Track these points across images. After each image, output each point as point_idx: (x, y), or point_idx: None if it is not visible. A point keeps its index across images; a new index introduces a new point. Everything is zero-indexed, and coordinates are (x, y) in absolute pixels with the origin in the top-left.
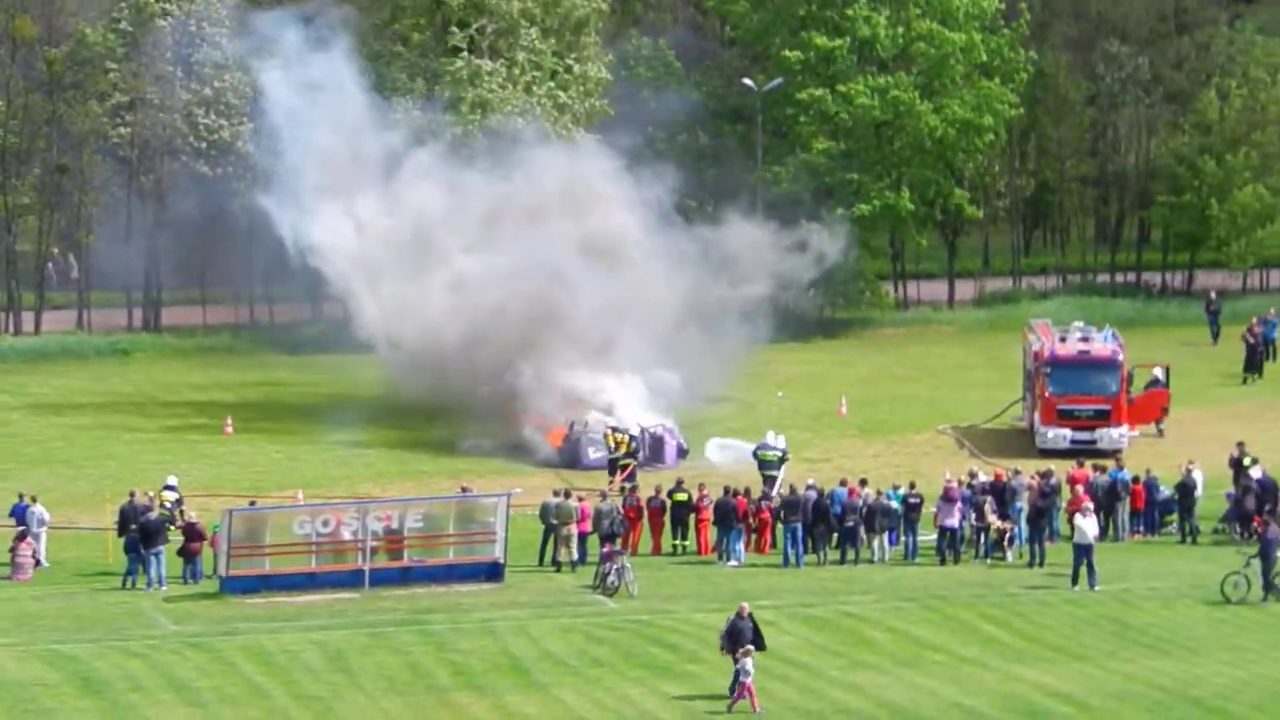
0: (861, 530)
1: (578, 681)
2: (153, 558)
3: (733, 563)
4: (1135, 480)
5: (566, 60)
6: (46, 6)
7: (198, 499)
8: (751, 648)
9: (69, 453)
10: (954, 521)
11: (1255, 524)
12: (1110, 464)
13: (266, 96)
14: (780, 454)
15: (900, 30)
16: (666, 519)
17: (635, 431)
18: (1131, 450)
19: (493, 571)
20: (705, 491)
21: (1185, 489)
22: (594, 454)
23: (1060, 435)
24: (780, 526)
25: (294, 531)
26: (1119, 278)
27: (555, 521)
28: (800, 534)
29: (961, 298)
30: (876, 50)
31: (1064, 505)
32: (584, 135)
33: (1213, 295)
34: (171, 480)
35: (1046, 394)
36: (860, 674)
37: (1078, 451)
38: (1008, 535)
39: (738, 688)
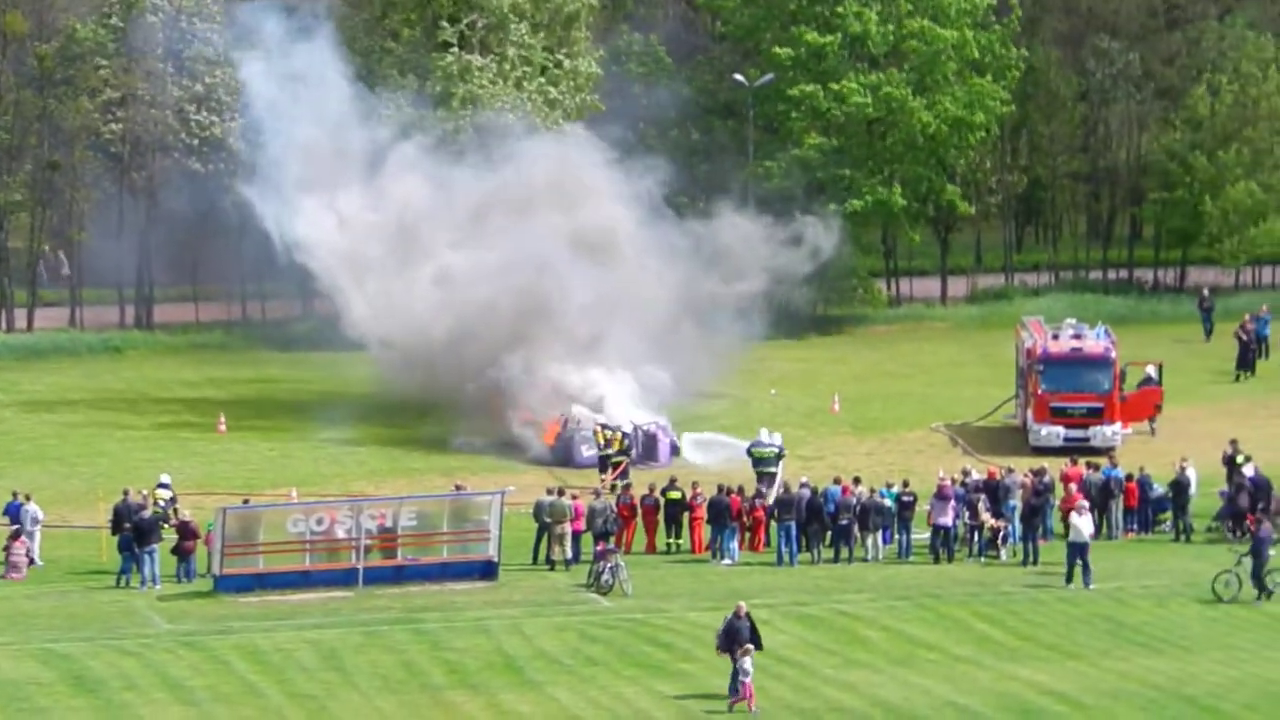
0: (855, 528)
1: (572, 680)
2: (146, 556)
3: (726, 561)
4: (1129, 478)
5: (557, 55)
6: (37, 2)
7: (191, 497)
8: (751, 647)
9: (62, 450)
10: (948, 520)
11: (1248, 522)
12: (1104, 462)
13: (247, 88)
14: (777, 451)
15: (891, 27)
16: (660, 517)
17: (627, 429)
18: (1124, 448)
19: (486, 570)
20: (699, 489)
21: (1179, 487)
22: (587, 452)
23: (1053, 433)
24: (774, 525)
25: (288, 530)
26: (1111, 274)
27: (549, 520)
28: (794, 532)
29: (954, 294)
30: (868, 46)
31: (1057, 503)
32: (572, 126)
33: (1205, 292)
34: (165, 478)
35: (1039, 391)
36: (854, 672)
37: (1071, 449)
38: (1001, 533)
39: (739, 687)
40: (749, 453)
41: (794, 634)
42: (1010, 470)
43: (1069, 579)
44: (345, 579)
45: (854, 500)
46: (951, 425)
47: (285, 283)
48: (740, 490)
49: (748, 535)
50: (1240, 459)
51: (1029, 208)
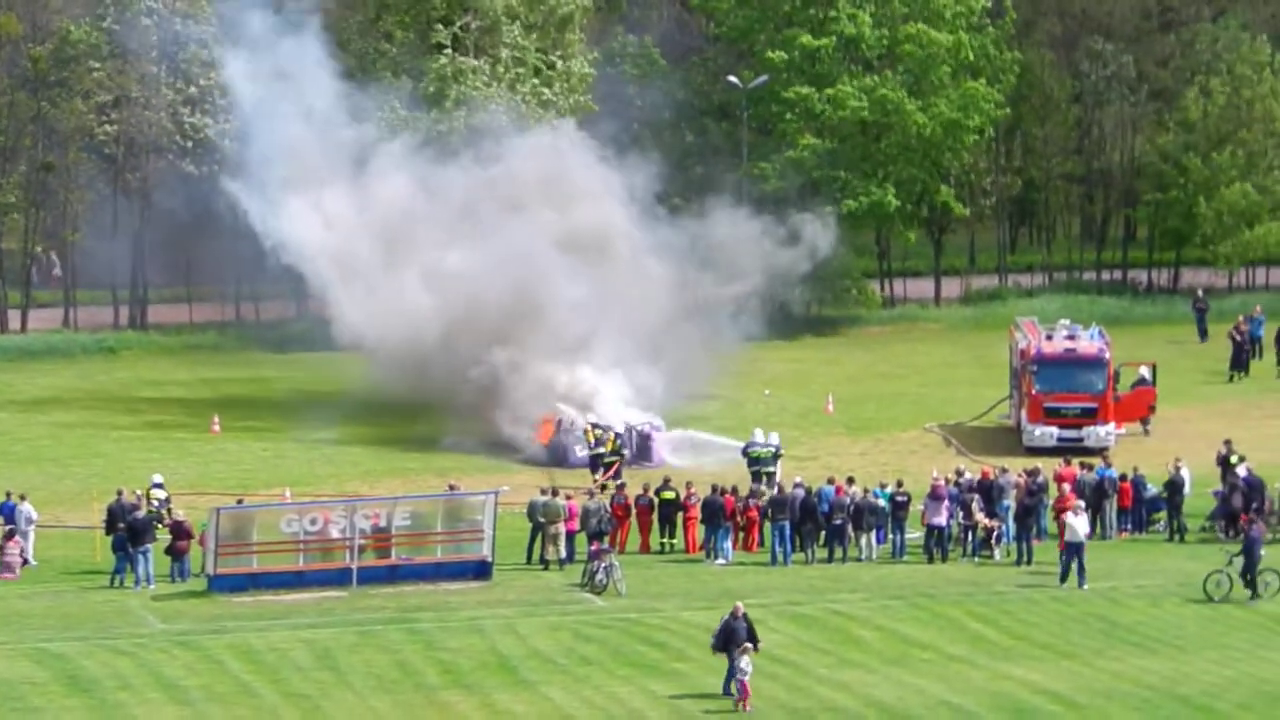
0: (849, 528)
1: (566, 680)
2: (140, 556)
3: (720, 561)
4: (1123, 478)
5: (550, 57)
6: (31, 4)
7: (185, 497)
8: (750, 646)
9: (56, 451)
10: (941, 520)
11: (1242, 522)
12: (1097, 462)
13: (231, 84)
14: (774, 451)
15: (885, 31)
16: (654, 517)
17: (620, 429)
18: (1118, 448)
19: (480, 570)
20: (693, 489)
21: (1174, 487)
22: (581, 452)
23: (1047, 433)
24: (768, 525)
25: (281, 530)
26: (1105, 275)
27: (543, 520)
28: (788, 532)
29: (948, 296)
30: (862, 49)
31: (1051, 503)
32: (564, 121)
33: (1200, 293)
34: (157, 478)
35: (1033, 392)
36: (848, 672)
37: (1064, 449)
38: (995, 533)
39: (740, 688)
40: (745, 453)
41: (788, 634)
42: (1004, 470)
43: (1064, 579)
44: (339, 579)
45: (848, 500)
46: (945, 426)
47: (279, 283)
48: (734, 490)
49: (742, 535)
50: (1234, 459)
51: (1023, 209)
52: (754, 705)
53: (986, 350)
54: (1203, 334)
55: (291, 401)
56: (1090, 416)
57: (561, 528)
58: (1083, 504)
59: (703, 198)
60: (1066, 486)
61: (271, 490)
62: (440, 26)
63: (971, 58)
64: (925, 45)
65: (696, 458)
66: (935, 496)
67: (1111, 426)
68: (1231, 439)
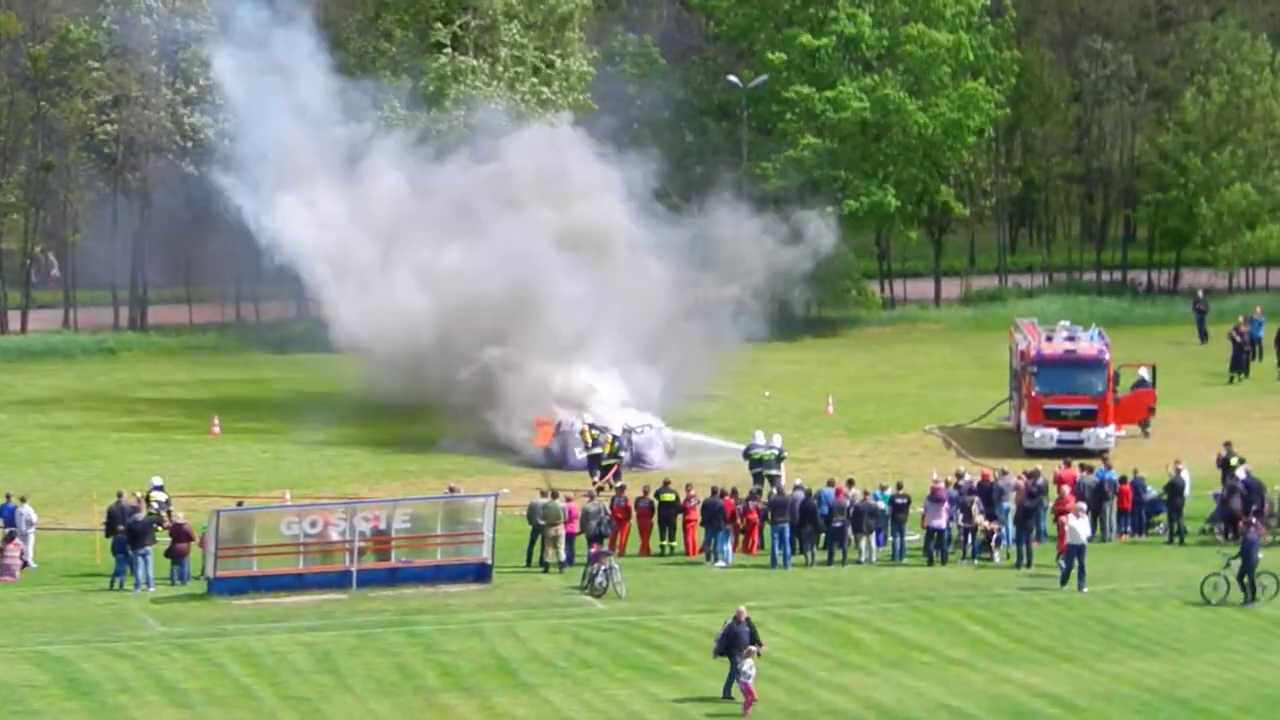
0: (849, 531)
1: (565, 682)
2: (140, 559)
3: (720, 563)
4: (1123, 480)
5: (549, 56)
6: (31, 2)
7: (184, 499)
8: (754, 649)
9: (56, 453)
10: (941, 522)
11: (1242, 525)
12: (1097, 464)
13: (221, 79)
14: (778, 453)
15: (885, 31)
16: (654, 519)
17: (618, 431)
18: (1118, 450)
19: (480, 572)
20: (693, 492)
21: (1174, 489)
22: (581, 454)
23: (1047, 435)
24: (768, 527)
25: (281, 532)
26: (1105, 276)
27: (543, 522)
28: (788, 534)
29: (948, 296)
30: (861, 49)
31: (1051, 505)
32: (561, 117)
33: (1200, 294)
34: (157, 480)
35: (1033, 393)
36: (848, 675)
37: (1064, 451)
38: (995, 536)
39: (744, 691)
40: (747, 455)
41: (788, 636)
42: (1004, 472)
43: (1064, 581)
44: (339, 581)
45: (848, 503)
46: (945, 427)
47: (279, 284)
48: (734, 492)
49: (741, 538)
50: (1234, 461)
51: (1023, 209)
52: (755, 708)
53: (986, 351)
54: (1203, 335)
55: (291, 403)
56: (1090, 418)
57: (561, 530)
58: (1084, 506)
59: (703, 197)
60: (1066, 489)
61: (271, 492)
62: (439, 25)
63: (972, 58)
64: (925, 45)
65: (694, 459)
66: (935, 499)
67: (1111, 428)
68: (1232, 441)
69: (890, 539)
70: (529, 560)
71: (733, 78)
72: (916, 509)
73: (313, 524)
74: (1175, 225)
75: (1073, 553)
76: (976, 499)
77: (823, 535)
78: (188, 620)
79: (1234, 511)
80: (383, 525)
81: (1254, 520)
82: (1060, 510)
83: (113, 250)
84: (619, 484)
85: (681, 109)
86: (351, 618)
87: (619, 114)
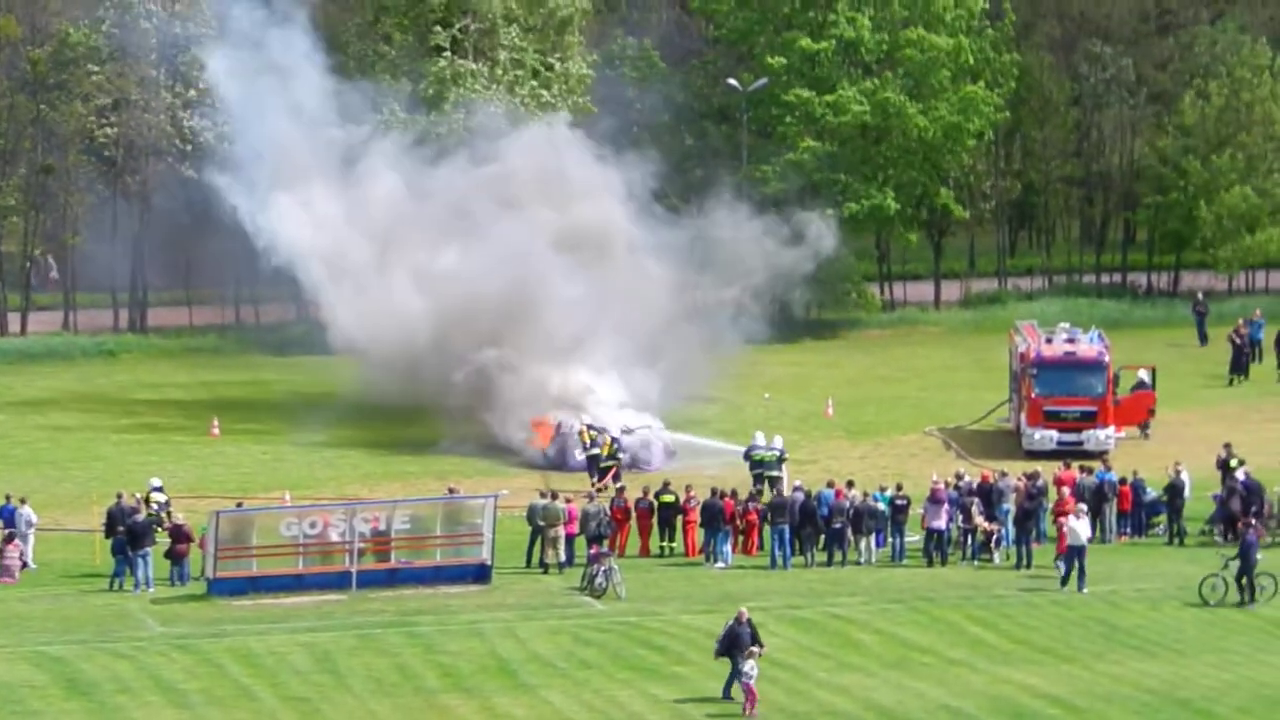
0: (848, 532)
1: (565, 683)
2: (140, 559)
3: (720, 564)
4: (1122, 482)
5: (549, 59)
6: (30, 6)
7: (184, 500)
8: (756, 650)
9: (55, 454)
10: (941, 523)
11: (1241, 526)
12: (1097, 465)
13: (215, 79)
14: (779, 454)
15: (884, 36)
16: (654, 520)
17: (616, 432)
18: (1117, 452)
19: (480, 573)
20: (692, 493)
21: (1174, 490)
22: (581, 455)
23: (1046, 437)
24: (767, 528)
25: (281, 533)
26: (1105, 279)
27: (542, 523)
28: (787, 535)
29: (947, 299)
30: (861, 53)
31: (1050, 507)
32: (559, 116)
33: (1200, 296)
34: (156, 482)
35: (1033, 395)
36: (847, 676)
37: (1064, 453)
38: (995, 537)
39: (746, 691)
40: (747, 456)
41: (787, 637)
42: (1004, 474)
43: (1064, 582)
44: (339, 582)
45: (847, 504)
46: (945, 429)
47: (278, 286)
48: (734, 493)
49: (741, 539)
50: (1234, 463)
51: (1022, 212)
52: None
53: (986, 353)
54: (1202, 338)
55: (291, 404)
56: (1090, 420)
57: (561, 531)
58: (1084, 507)
59: (702, 199)
60: (1066, 490)
61: (271, 493)
62: (439, 29)
63: (971, 61)
64: (925, 50)
65: (694, 460)
66: (935, 500)
67: (1111, 430)
68: (1231, 443)
69: (890, 540)
70: (529, 561)
71: (732, 81)
72: (916, 510)
73: (312, 525)
74: (1175, 228)
75: (1073, 554)
76: (976, 500)
77: (822, 536)
78: (187, 621)
79: (1233, 513)
80: (382, 526)
81: (1253, 521)
82: (1060, 512)
83: (112, 253)
84: (618, 485)
85: (681, 112)
86: (351, 618)
87: (619, 117)
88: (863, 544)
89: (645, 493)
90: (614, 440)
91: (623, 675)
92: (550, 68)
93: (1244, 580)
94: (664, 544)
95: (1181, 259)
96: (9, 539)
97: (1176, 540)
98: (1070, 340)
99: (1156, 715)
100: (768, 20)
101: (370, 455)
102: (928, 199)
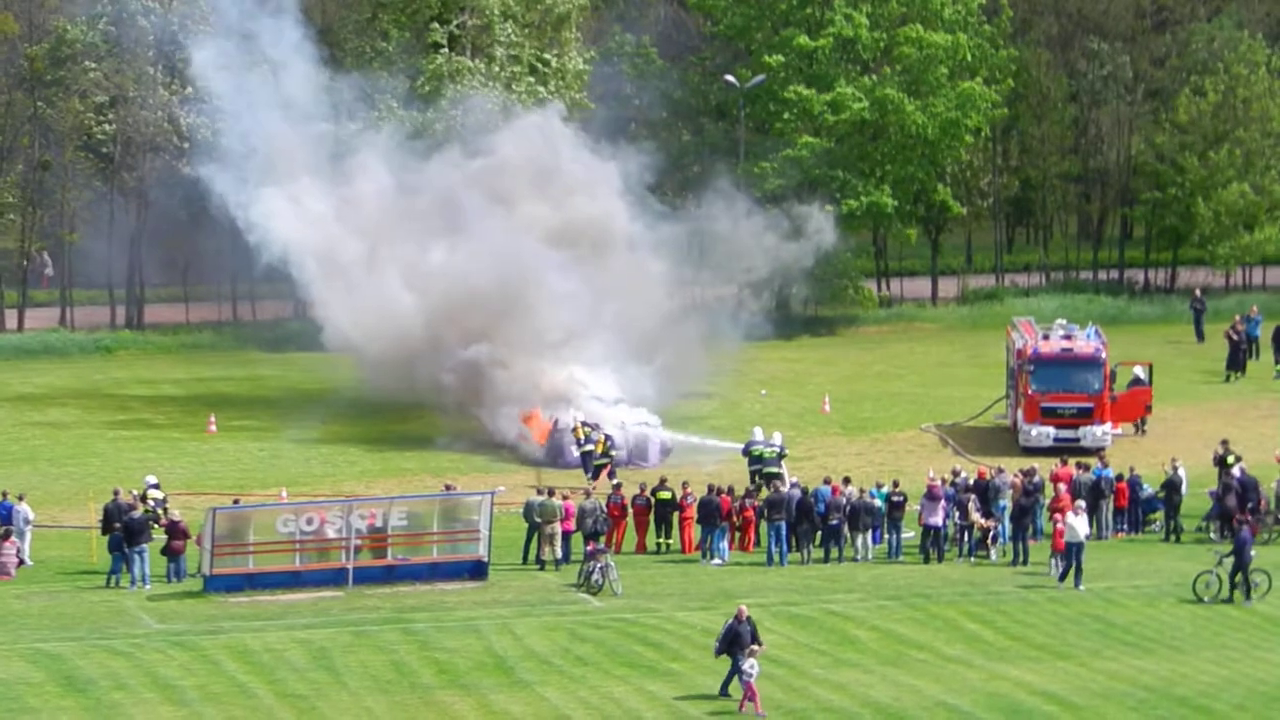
0: (845, 528)
1: (562, 680)
2: (136, 556)
3: (716, 561)
4: (1119, 478)
5: (546, 55)
6: (28, 3)
7: (181, 497)
8: (756, 648)
9: (52, 451)
10: (938, 520)
11: (1235, 522)
12: (1094, 462)
13: (201, 71)
14: (779, 451)
15: (882, 34)
16: (651, 517)
17: (610, 429)
18: (1114, 448)
19: (477, 570)
20: (689, 490)
21: (1171, 487)
22: (575, 452)
23: (1043, 433)
24: (764, 525)
25: (278, 530)
26: (1102, 275)
27: (539, 520)
28: (784, 532)
29: (945, 295)
30: (859, 50)
31: (1047, 504)
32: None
33: (1197, 293)
34: (152, 479)
35: (1030, 392)
36: (844, 672)
37: (1061, 449)
38: (991, 533)
39: (745, 689)
40: (746, 452)
41: (784, 634)
42: (1000, 470)
43: (1062, 578)
44: (335, 579)
45: (844, 500)
46: (942, 426)
47: (275, 283)
48: (731, 490)
49: (738, 535)
50: (1230, 459)
51: (1020, 209)
52: (749, 706)
53: (983, 350)
54: (1199, 334)
55: (287, 401)
56: (1086, 417)
57: (558, 528)
58: (1082, 504)
59: (700, 197)
60: (1063, 487)
61: (268, 490)
62: (436, 25)
63: (969, 58)
64: (923, 46)
65: (691, 456)
66: (931, 496)
67: (1108, 426)
68: (1228, 439)
69: (886, 537)
70: (525, 558)
71: (730, 78)
72: (913, 507)
73: (309, 522)
74: (1172, 224)
75: (1071, 550)
76: (973, 497)
77: (819, 533)
78: (184, 618)
79: (1229, 509)
80: (379, 523)
81: (1248, 518)
82: (1056, 508)
83: (109, 249)
84: (614, 482)
85: (678, 109)
86: (348, 615)
87: (616, 113)
88: (859, 540)
89: (642, 489)
90: (608, 437)
91: (619, 672)
92: (547, 64)
93: (1238, 576)
94: (660, 540)
95: (1179, 255)
96: (6, 536)
97: (1173, 537)
98: (1067, 337)
99: (1153, 712)
100: (765, 17)
101: (367, 452)
102: (925, 195)
